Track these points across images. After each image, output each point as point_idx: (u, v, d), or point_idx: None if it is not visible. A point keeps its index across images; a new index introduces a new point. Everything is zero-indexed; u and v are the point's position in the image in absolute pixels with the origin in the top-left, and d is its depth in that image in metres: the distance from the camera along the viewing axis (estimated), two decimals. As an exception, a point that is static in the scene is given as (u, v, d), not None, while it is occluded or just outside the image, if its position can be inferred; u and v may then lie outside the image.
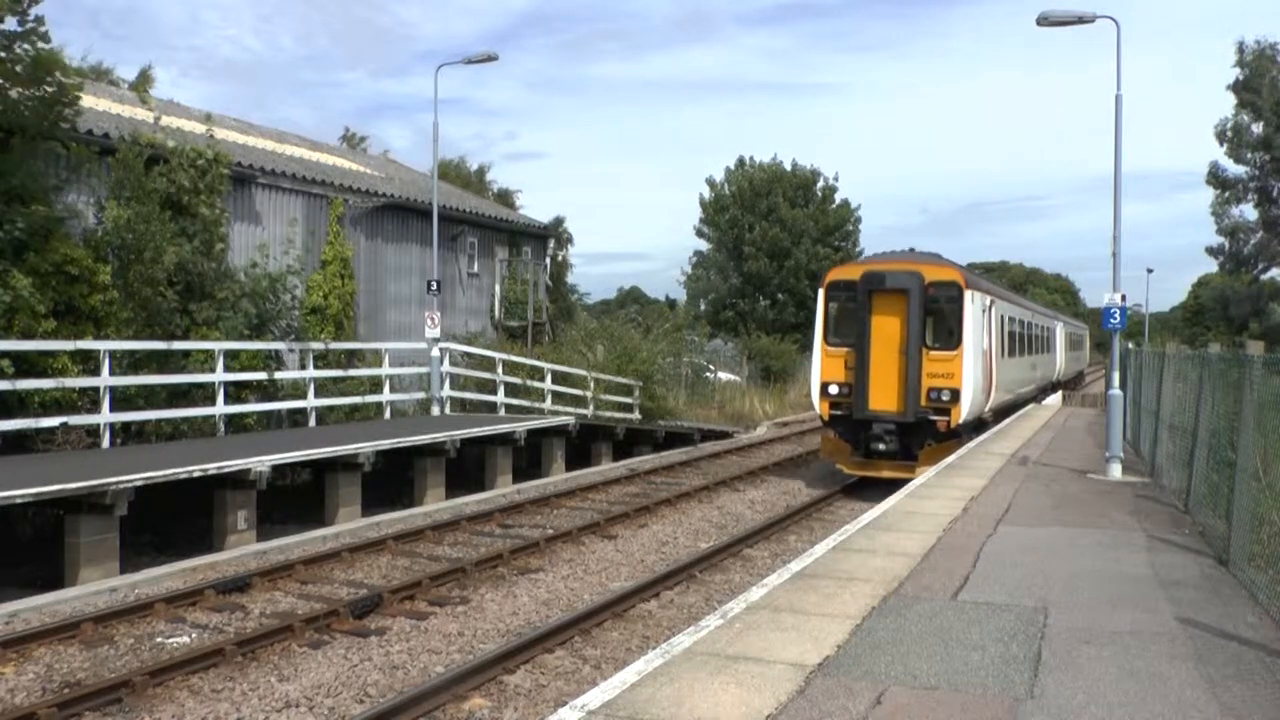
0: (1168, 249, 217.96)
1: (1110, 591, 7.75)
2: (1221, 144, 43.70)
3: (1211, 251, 47.18)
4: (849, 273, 19.67)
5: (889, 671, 5.80)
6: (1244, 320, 46.21)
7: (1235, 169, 44.39)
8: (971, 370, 18.27)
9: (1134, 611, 7.18)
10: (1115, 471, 14.43)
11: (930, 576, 8.11)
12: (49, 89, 15.26)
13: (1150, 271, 69.70)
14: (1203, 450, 10.73)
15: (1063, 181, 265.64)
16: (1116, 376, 15.56)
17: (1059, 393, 38.42)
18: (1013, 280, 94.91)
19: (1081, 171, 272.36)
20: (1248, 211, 45.51)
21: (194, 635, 10.00)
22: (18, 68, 14.87)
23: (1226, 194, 45.30)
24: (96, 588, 11.27)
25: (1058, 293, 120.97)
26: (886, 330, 18.45)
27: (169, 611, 10.60)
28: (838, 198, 54.39)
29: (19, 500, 10.88)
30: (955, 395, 18.12)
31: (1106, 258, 15.52)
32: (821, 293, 19.79)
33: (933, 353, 18.29)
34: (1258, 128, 42.70)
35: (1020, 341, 26.32)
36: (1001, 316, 22.01)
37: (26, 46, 14.90)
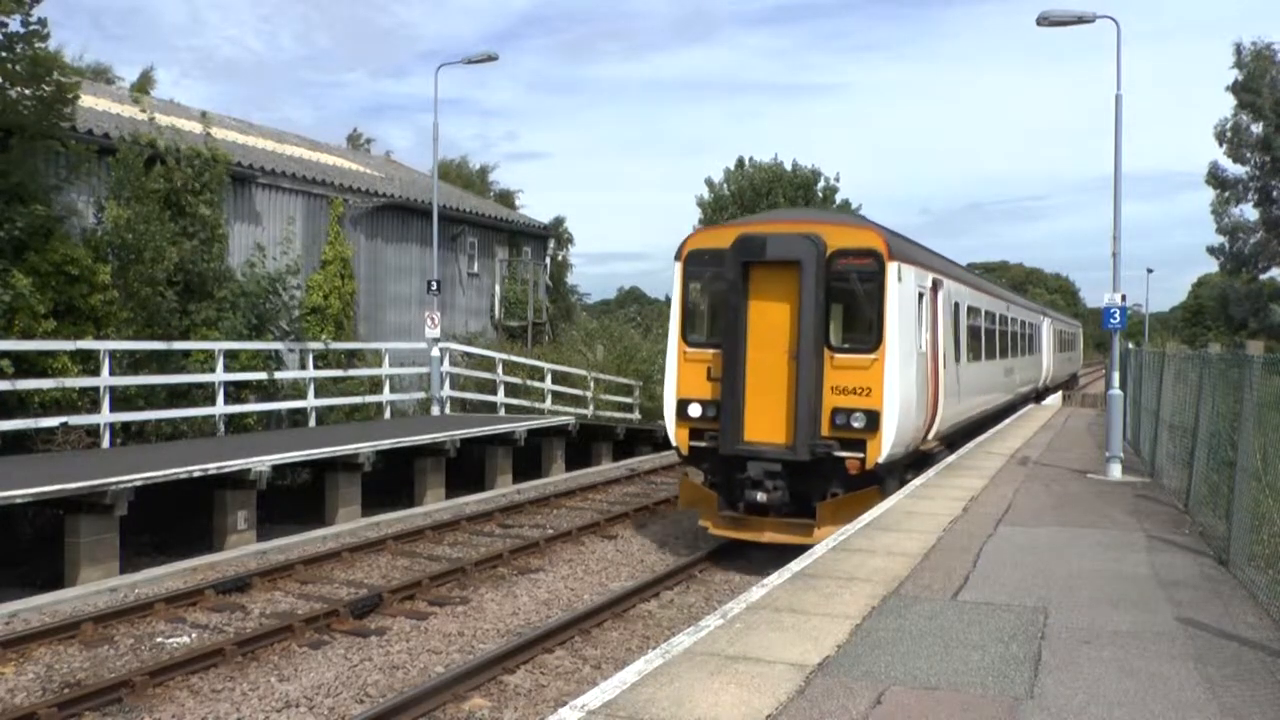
0: (1168, 249, 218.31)
1: (1110, 591, 7.75)
2: (1221, 144, 43.74)
3: (1211, 251, 47.22)
4: (716, 238, 13.79)
5: (889, 671, 5.79)
6: (1244, 320, 46.21)
7: (1235, 169, 44.44)
8: (900, 381, 12.68)
9: (1134, 611, 7.18)
10: (1115, 471, 14.42)
11: (930, 576, 8.11)
12: (47, 88, 15.27)
13: (1150, 271, 69.86)
14: (1203, 450, 10.73)
15: (1063, 181, 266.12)
16: (1116, 376, 15.55)
17: (1059, 393, 38.12)
18: (1013, 280, 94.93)
19: (1081, 171, 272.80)
20: (1248, 211, 45.58)
21: (194, 635, 10.00)
22: (17, 67, 14.89)
23: (1226, 194, 45.34)
24: (96, 588, 11.27)
25: (1058, 293, 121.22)
26: (769, 322, 12.91)
27: (169, 611, 10.60)
28: (838, 198, 54.37)
29: (19, 500, 10.88)
30: (873, 420, 12.48)
31: (1106, 258, 15.52)
32: (678, 268, 13.93)
33: (840, 356, 12.72)
34: (1257, 128, 42.73)
35: (990, 340, 21.02)
36: (957, 305, 16.73)
37: (26, 48, 14.92)
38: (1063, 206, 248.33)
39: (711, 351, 13.39)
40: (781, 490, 12.64)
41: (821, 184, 54.09)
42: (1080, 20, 15.20)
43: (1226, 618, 7.05)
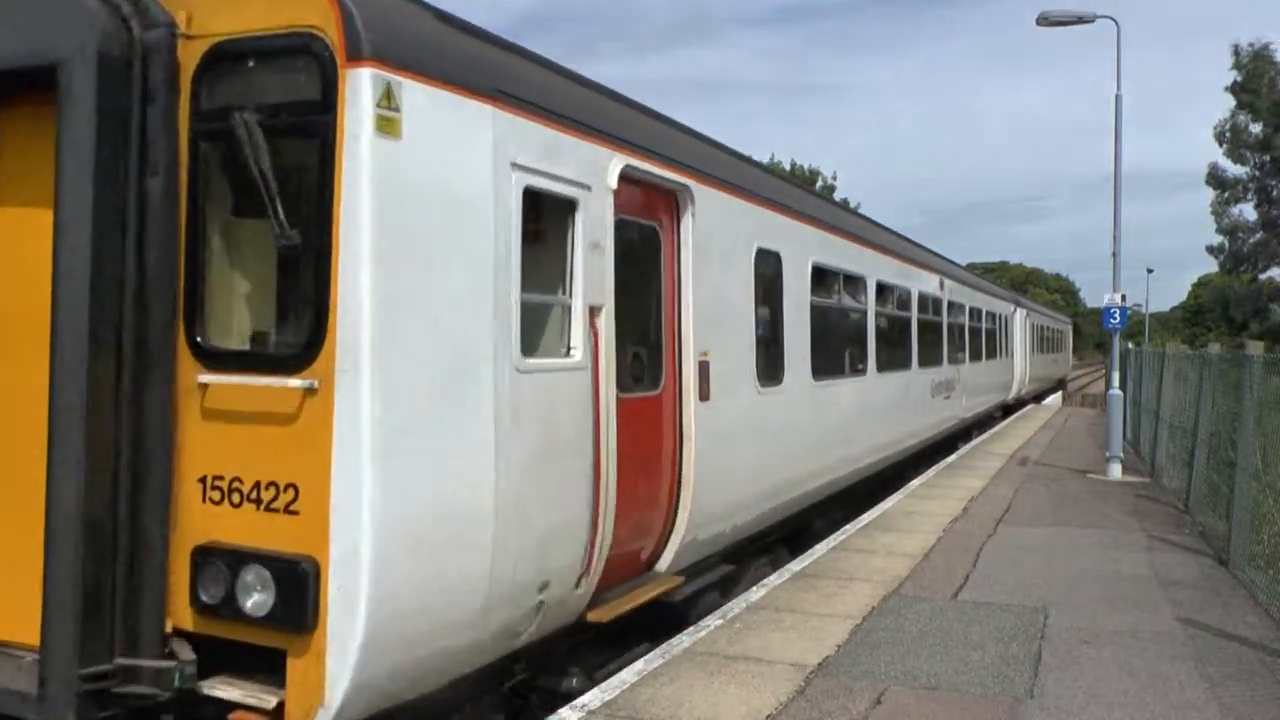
0: (1168, 249, 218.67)
1: (1110, 591, 7.75)
2: (1220, 145, 43.82)
3: (1211, 251, 47.31)
4: None
5: (889, 671, 5.79)
6: (1245, 322, 46.29)
7: (1235, 169, 44.52)
8: (402, 460, 4.21)
9: (1134, 611, 7.18)
10: (1115, 471, 14.42)
11: (930, 576, 8.11)
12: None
13: (1150, 271, 69.72)
14: (1203, 450, 10.73)
15: (1063, 181, 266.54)
16: (1116, 376, 15.56)
17: (1059, 393, 37.86)
18: (1013, 280, 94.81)
19: (1081, 171, 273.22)
20: (1247, 211, 45.66)
21: (194, 635, 9.97)
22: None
23: (1226, 194, 45.42)
24: (96, 588, 11.23)
25: (1058, 293, 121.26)
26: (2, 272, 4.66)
27: (169, 612, 10.56)
28: (837, 197, 54.41)
29: (19, 500, 10.85)
30: (299, 588, 4.02)
31: (1106, 258, 15.54)
32: None
33: (223, 381, 4.26)
34: (1256, 128, 42.80)
35: (893, 336, 13.19)
36: (775, 261, 8.67)
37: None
38: (1063, 206, 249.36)
39: None
40: None
41: (820, 184, 54.16)
42: (1080, 20, 15.23)
43: (1226, 618, 7.05)
